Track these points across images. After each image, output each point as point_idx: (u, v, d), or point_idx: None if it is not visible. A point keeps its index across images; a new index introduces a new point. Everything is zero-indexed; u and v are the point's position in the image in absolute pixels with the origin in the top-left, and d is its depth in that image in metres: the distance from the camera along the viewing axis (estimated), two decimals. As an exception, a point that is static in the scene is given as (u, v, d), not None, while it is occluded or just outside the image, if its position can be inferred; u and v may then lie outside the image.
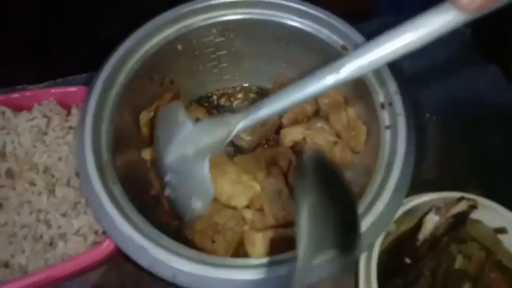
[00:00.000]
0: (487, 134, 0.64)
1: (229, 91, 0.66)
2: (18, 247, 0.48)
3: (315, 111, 0.61)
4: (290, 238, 0.50)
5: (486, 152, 0.63)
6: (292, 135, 0.58)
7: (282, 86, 0.61)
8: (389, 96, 0.48)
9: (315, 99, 0.60)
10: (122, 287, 0.55)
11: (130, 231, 0.41)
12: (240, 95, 0.66)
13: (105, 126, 0.48)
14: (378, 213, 0.41)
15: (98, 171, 0.44)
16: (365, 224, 0.41)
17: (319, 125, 0.58)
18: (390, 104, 0.47)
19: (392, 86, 0.47)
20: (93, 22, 0.66)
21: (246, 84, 0.65)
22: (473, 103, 0.67)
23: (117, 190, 0.45)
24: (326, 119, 0.59)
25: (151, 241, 0.41)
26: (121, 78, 0.50)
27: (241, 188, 0.53)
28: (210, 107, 0.65)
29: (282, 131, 0.59)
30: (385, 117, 0.48)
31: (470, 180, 0.59)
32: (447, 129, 0.65)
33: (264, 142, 0.62)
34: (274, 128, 0.61)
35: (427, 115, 0.66)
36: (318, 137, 0.57)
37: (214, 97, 0.65)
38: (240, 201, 0.52)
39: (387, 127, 0.47)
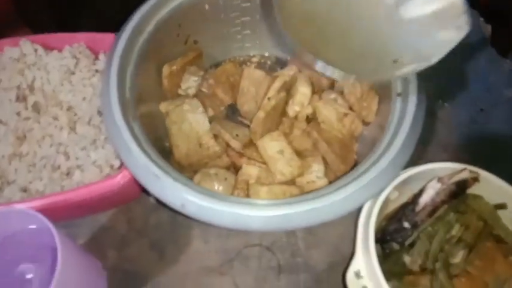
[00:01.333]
0: (495, 123, 0.65)
1: (248, 59, 0.68)
2: (36, 175, 0.51)
3: (330, 84, 0.63)
4: (294, 196, 0.52)
5: (494, 140, 0.64)
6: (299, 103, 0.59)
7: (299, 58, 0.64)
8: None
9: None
10: (128, 230, 0.58)
11: (145, 160, 0.43)
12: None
13: (130, 69, 0.50)
14: (383, 167, 0.43)
15: (121, 107, 0.47)
16: (368, 177, 0.43)
17: (332, 96, 0.60)
18: (404, 73, 0.49)
19: (407, 56, 0.49)
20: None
21: (266, 54, 0.67)
22: (485, 94, 0.68)
23: (136, 126, 0.47)
24: (340, 92, 0.61)
25: (163, 171, 0.43)
26: (150, 27, 0.53)
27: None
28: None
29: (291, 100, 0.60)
30: (397, 85, 0.50)
31: (473, 160, 0.60)
32: (456, 115, 0.66)
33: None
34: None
35: (440, 101, 0.68)
36: (327, 108, 0.58)
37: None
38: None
39: (399, 94, 0.49)
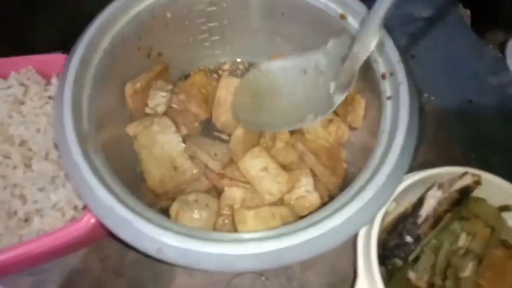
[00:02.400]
0: (484, 114, 0.62)
1: (219, 66, 0.62)
2: (-10, 224, 0.44)
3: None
4: (285, 217, 0.48)
5: (484, 131, 0.61)
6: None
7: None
8: (390, 65, 0.45)
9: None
10: (103, 271, 0.52)
11: (112, 202, 0.38)
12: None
13: (86, 94, 0.44)
14: (381, 183, 0.38)
15: (78, 139, 0.40)
16: (367, 196, 0.38)
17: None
18: (391, 74, 0.45)
19: (394, 55, 0.45)
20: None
21: (238, 60, 0.62)
22: (471, 83, 0.66)
23: (99, 160, 0.41)
24: (322, 96, 0.56)
25: (134, 213, 0.37)
26: (105, 42, 0.47)
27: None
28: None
29: None
30: (386, 87, 0.45)
31: (468, 161, 0.57)
32: (445, 109, 0.63)
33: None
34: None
35: (426, 95, 0.64)
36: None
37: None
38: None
39: (388, 98, 0.44)
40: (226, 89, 0.56)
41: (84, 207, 0.45)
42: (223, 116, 0.57)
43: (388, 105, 0.44)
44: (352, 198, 0.39)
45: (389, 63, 0.45)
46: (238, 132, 0.52)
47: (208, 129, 0.58)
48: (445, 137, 0.61)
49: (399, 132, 0.41)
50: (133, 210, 0.38)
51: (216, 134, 0.58)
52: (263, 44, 0.59)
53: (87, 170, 0.39)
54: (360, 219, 0.38)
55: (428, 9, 0.72)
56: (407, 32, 0.70)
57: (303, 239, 0.37)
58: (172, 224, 0.38)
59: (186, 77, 0.61)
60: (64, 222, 0.43)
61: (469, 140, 0.61)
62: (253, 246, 0.36)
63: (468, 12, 0.71)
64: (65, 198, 0.44)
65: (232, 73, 0.62)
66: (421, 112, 0.61)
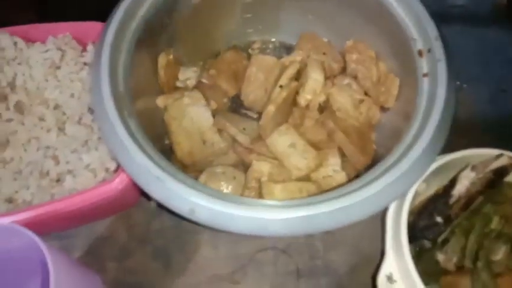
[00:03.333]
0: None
1: (249, 45, 0.62)
2: (23, 183, 0.45)
3: (341, 69, 0.57)
4: (312, 192, 0.47)
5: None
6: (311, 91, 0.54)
7: (307, 42, 0.58)
8: (428, 42, 0.44)
9: (342, 55, 0.57)
10: (129, 239, 0.52)
11: (146, 162, 0.38)
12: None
13: (122, 58, 0.45)
14: (416, 157, 0.38)
15: (114, 102, 0.41)
16: (401, 169, 0.38)
17: (346, 81, 0.55)
18: (429, 51, 0.44)
19: (433, 31, 0.44)
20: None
21: (271, 39, 0.62)
22: (505, 72, 0.64)
23: (133, 122, 0.42)
24: (354, 76, 0.56)
25: (167, 173, 0.38)
26: (142, 11, 0.47)
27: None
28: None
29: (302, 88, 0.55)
30: (423, 65, 0.44)
31: (499, 144, 0.55)
32: (477, 97, 0.62)
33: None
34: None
35: (458, 82, 0.63)
36: (341, 95, 0.53)
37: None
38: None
39: (425, 75, 0.44)
40: (257, 67, 0.56)
41: (116, 170, 0.45)
42: (252, 94, 0.57)
43: (425, 83, 0.43)
44: (386, 171, 0.38)
45: (427, 39, 0.44)
46: (270, 108, 0.51)
47: (236, 106, 0.58)
48: (477, 125, 0.60)
49: (436, 109, 0.40)
50: (166, 170, 0.38)
51: (244, 111, 0.58)
52: (294, 22, 0.59)
53: (123, 131, 0.39)
54: (392, 192, 0.38)
55: (464, -3, 0.70)
56: (441, 19, 0.68)
57: (333, 207, 0.36)
58: (205, 187, 0.38)
59: (216, 54, 0.62)
60: (96, 183, 0.44)
61: (501, 129, 0.60)
62: (283, 212, 0.36)
63: (504, 0, 0.70)
64: (97, 160, 0.44)
65: (262, 51, 0.62)
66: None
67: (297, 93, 0.54)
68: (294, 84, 0.52)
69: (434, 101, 0.41)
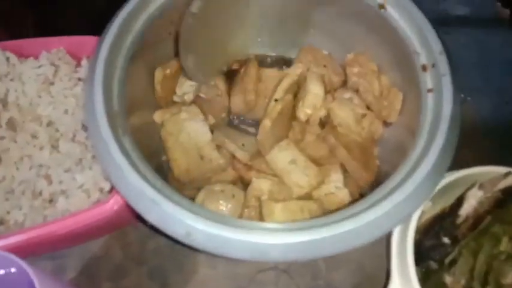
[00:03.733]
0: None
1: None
2: (15, 203, 0.44)
3: (342, 82, 0.56)
4: (313, 212, 0.46)
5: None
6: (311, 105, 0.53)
7: (307, 54, 0.57)
8: (432, 56, 0.43)
9: (343, 68, 0.56)
10: (124, 258, 0.51)
11: (141, 183, 0.36)
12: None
13: (117, 75, 0.43)
14: (423, 177, 0.36)
15: (108, 120, 0.39)
16: (407, 190, 0.36)
17: (346, 95, 0.53)
18: (433, 65, 0.43)
19: (437, 46, 0.43)
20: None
21: (273, 54, 0.60)
22: (507, 82, 0.63)
23: (128, 141, 0.40)
24: (355, 90, 0.54)
25: (164, 196, 0.36)
26: (138, 25, 0.46)
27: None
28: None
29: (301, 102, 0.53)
30: (427, 80, 0.43)
31: (506, 162, 0.54)
32: (480, 109, 0.61)
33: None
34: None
35: (462, 95, 0.62)
36: (342, 109, 0.52)
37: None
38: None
39: (429, 90, 0.42)
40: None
41: (111, 190, 0.44)
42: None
43: (430, 98, 0.42)
44: (391, 192, 0.37)
45: (432, 54, 0.43)
46: (265, 123, 0.50)
47: (235, 121, 0.56)
48: (482, 138, 0.58)
49: (442, 126, 0.39)
50: (162, 193, 0.36)
51: (243, 126, 0.56)
52: (295, 35, 0.58)
53: (117, 150, 0.38)
54: (398, 214, 0.36)
55: (465, 7, 0.69)
56: (442, 30, 0.67)
57: (336, 231, 0.35)
58: (202, 209, 0.37)
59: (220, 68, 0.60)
60: (89, 204, 0.42)
61: (505, 141, 0.58)
62: (284, 236, 0.34)
63: (507, 11, 0.69)
64: (91, 180, 0.43)
65: (261, 65, 0.60)
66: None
67: (295, 107, 0.53)
68: (289, 97, 0.51)
69: (440, 118, 0.39)
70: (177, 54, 0.51)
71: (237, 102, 0.54)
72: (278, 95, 0.51)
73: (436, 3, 0.70)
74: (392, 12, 0.47)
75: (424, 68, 0.44)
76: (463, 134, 0.59)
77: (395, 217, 0.36)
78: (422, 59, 0.44)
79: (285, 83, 0.52)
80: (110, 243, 0.51)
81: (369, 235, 0.35)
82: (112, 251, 0.51)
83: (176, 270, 0.50)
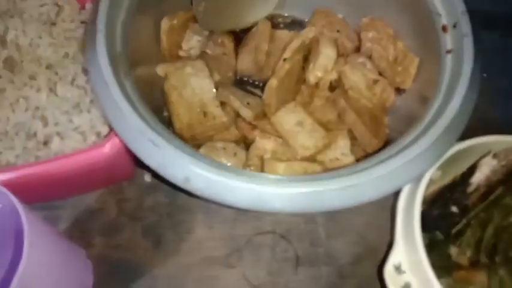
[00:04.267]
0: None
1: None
2: (8, 144, 0.42)
3: (355, 48, 0.54)
4: (317, 173, 0.44)
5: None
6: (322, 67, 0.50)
7: (321, 18, 0.55)
8: (455, 16, 0.41)
9: (357, 33, 0.54)
10: (119, 213, 0.49)
11: (141, 125, 0.35)
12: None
13: (121, 17, 0.42)
14: (435, 137, 0.35)
15: (110, 60, 0.38)
16: (419, 148, 0.34)
17: (360, 60, 0.51)
18: (454, 26, 0.41)
19: (460, 5, 0.41)
20: None
21: (286, 14, 0.58)
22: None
23: (129, 84, 0.38)
24: (368, 56, 0.52)
25: (163, 138, 0.34)
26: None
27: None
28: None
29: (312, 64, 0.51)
30: (447, 41, 0.41)
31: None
32: (496, 87, 0.58)
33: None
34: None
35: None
36: (355, 73, 0.50)
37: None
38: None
39: (448, 51, 0.40)
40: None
41: (108, 135, 0.42)
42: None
43: (449, 60, 0.40)
44: (402, 150, 0.35)
45: (453, 14, 0.41)
46: (272, 82, 0.48)
47: (242, 83, 0.54)
48: (497, 115, 0.56)
49: (461, 86, 0.37)
50: (161, 135, 0.35)
51: (250, 88, 0.54)
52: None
53: (117, 91, 0.36)
54: (407, 172, 0.35)
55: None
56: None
57: (342, 184, 0.33)
58: (202, 156, 0.35)
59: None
60: (85, 146, 0.41)
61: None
62: (288, 186, 0.33)
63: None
64: (88, 123, 0.41)
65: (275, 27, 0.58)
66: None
67: (305, 69, 0.51)
68: (298, 57, 0.49)
69: (459, 79, 0.37)
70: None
71: (245, 62, 0.52)
72: (287, 54, 0.49)
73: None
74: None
75: (444, 28, 0.42)
76: (478, 111, 0.58)
77: (403, 175, 0.34)
78: (443, 20, 0.42)
79: (295, 43, 0.50)
80: (106, 198, 0.50)
81: (375, 191, 0.34)
82: (107, 206, 0.49)
83: (171, 229, 0.48)
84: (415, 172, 0.35)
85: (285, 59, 0.48)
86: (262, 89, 0.52)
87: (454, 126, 0.36)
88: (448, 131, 0.35)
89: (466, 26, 0.40)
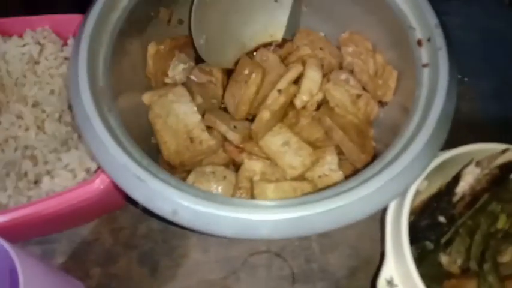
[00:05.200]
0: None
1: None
2: (-1, 186, 0.42)
3: (339, 64, 0.55)
4: (307, 193, 0.45)
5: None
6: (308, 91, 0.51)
7: (303, 38, 0.56)
8: (428, 30, 0.42)
9: (339, 48, 0.54)
10: (114, 243, 0.50)
11: (126, 160, 0.35)
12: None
13: (103, 51, 0.42)
14: (416, 152, 0.35)
15: (92, 95, 0.38)
16: (401, 165, 0.35)
17: (342, 77, 0.52)
18: (429, 40, 0.42)
19: (433, 19, 0.42)
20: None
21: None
22: (507, 63, 0.62)
23: (113, 118, 0.39)
24: (350, 70, 0.53)
25: (149, 172, 0.35)
26: (124, 1, 0.44)
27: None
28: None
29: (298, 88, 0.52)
30: (422, 55, 0.42)
31: (504, 140, 0.53)
32: (479, 90, 0.60)
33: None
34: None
35: (458, 76, 0.60)
36: (338, 90, 0.50)
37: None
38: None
39: (425, 65, 0.41)
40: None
41: (97, 170, 0.42)
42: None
43: (425, 73, 0.41)
44: (386, 167, 0.36)
45: (427, 27, 0.42)
46: (264, 114, 0.47)
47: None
48: (481, 118, 0.57)
49: (438, 100, 0.38)
50: (148, 170, 0.35)
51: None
52: (287, 16, 0.56)
53: (100, 126, 0.37)
54: (392, 189, 0.35)
55: (465, -12, 0.68)
56: (442, 12, 0.66)
57: (328, 207, 0.34)
58: (189, 187, 0.36)
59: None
60: (75, 184, 0.41)
61: (505, 123, 0.57)
62: (274, 212, 0.33)
63: (506, -8, 0.67)
64: (77, 160, 0.42)
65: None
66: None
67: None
68: (293, 88, 0.49)
69: (436, 92, 0.38)
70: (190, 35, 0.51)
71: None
72: (282, 85, 0.49)
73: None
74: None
75: (419, 42, 0.42)
76: (460, 116, 0.58)
77: (388, 193, 0.35)
78: (418, 34, 0.43)
79: (291, 74, 0.50)
80: (100, 228, 0.50)
81: (361, 211, 0.34)
82: (102, 236, 0.50)
83: (167, 255, 0.49)
84: (399, 188, 0.35)
85: (279, 90, 0.48)
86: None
87: (434, 139, 0.36)
88: (429, 145, 0.36)
89: (439, 40, 0.41)
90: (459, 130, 0.55)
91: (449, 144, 0.47)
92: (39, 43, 0.47)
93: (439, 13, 0.65)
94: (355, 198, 0.34)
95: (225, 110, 0.54)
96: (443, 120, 0.37)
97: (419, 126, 0.37)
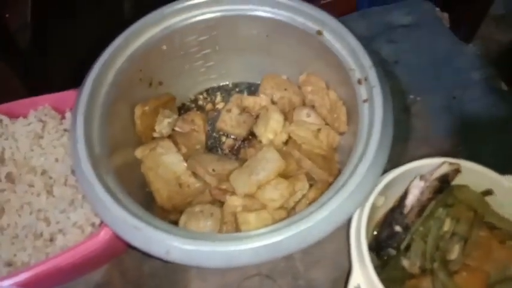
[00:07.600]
0: (469, 108, 0.66)
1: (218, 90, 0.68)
2: (20, 246, 0.50)
3: (302, 101, 0.63)
4: (284, 218, 0.51)
5: (472, 125, 0.64)
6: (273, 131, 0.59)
7: (269, 82, 0.64)
8: (364, 71, 0.50)
9: (300, 88, 0.62)
10: (124, 283, 0.56)
11: (124, 214, 0.43)
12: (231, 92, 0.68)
13: (96, 123, 0.50)
14: (361, 176, 0.43)
15: (91, 163, 0.46)
16: (348, 189, 0.42)
17: (304, 112, 0.60)
18: (366, 79, 0.49)
19: (367, 61, 0.50)
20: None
21: (236, 81, 0.68)
22: (454, 79, 0.69)
23: (110, 179, 0.46)
24: (312, 106, 0.61)
25: (143, 221, 0.42)
26: (109, 77, 0.52)
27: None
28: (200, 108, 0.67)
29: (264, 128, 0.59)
30: (362, 92, 0.50)
31: (458, 154, 0.60)
32: (431, 106, 0.67)
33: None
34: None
35: (411, 96, 0.68)
36: (300, 129, 0.58)
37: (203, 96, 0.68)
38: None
39: (365, 100, 0.49)
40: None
41: (101, 224, 0.50)
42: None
43: (365, 107, 0.48)
44: (336, 193, 0.43)
45: (363, 69, 0.50)
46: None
47: (217, 145, 0.64)
48: (434, 133, 0.64)
49: (375, 129, 0.45)
50: (143, 220, 0.42)
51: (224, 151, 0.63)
52: (256, 64, 0.65)
53: (101, 189, 0.44)
54: (343, 211, 0.42)
55: (407, 17, 0.76)
56: (389, 40, 0.74)
57: (294, 231, 0.41)
58: (178, 230, 0.43)
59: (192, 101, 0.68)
60: (84, 237, 0.48)
61: (457, 134, 0.64)
62: (250, 242, 0.40)
63: (446, 15, 0.76)
64: (84, 217, 0.49)
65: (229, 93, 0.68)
66: (407, 112, 0.67)
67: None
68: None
69: (373, 124, 0.46)
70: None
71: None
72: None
73: (382, 16, 0.77)
74: (329, 37, 0.54)
75: (359, 81, 0.50)
76: (417, 132, 0.65)
77: (340, 215, 0.42)
78: (357, 74, 0.51)
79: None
80: (110, 271, 0.57)
81: (323, 231, 0.41)
82: (112, 279, 0.56)
83: (171, 288, 0.56)
84: (349, 210, 0.42)
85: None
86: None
87: (375, 165, 0.44)
88: (371, 169, 0.43)
89: (374, 79, 0.48)
90: (416, 145, 0.64)
91: (407, 158, 0.54)
92: (41, 120, 0.55)
93: (387, 42, 0.74)
94: (315, 220, 0.41)
95: (214, 148, 0.62)
96: (381, 148, 0.44)
97: (362, 155, 0.44)
